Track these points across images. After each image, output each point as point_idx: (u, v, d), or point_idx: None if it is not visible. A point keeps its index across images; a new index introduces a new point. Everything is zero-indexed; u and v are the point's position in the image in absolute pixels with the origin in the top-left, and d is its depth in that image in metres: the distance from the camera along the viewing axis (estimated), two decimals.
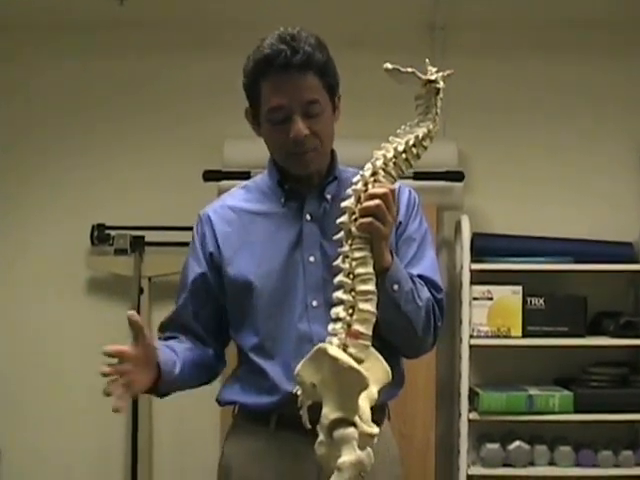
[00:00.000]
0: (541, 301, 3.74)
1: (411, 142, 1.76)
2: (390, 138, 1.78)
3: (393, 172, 1.76)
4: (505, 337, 3.72)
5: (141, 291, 4.00)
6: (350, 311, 1.69)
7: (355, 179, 1.75)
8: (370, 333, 1.69)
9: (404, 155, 1.76)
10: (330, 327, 1.70)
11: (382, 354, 1.82)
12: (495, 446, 3.71)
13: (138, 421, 3.99)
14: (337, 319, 1.70)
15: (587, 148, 4.05)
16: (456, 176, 3.76)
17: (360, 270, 1.70)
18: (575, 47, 4.04)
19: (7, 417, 4.09)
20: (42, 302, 4.11)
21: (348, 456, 1.58)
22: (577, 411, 3.67)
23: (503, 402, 3.68)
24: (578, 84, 4.04)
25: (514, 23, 4.03)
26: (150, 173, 4.09)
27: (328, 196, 2.01)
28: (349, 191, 1.75)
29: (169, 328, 2.09)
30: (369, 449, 1.61)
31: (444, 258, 4.02)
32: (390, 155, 1.75)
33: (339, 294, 1.71)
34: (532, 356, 3.88)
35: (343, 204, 1.75)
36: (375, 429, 1.63)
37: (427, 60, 1.77)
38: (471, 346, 3.69)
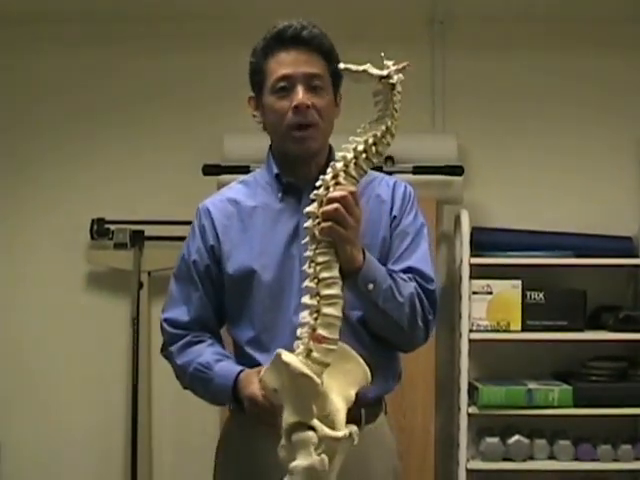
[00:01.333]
0: (540, 295, 3.74)
1: (371, 141, 1.76)
2: (350, 138, 1.77)
3: (354, 173, 1.76)
4: (504, 331, 3.72)
5: (141, 285, 4.00)
6: (315, 315, 1.70)
7: (318, 183, 1.76)
8: (336, 337, 1.70)
9: (364, 155, 1.76)
10: (298, 332, 1.72)
11: (377, 349, 1.85)
12: (494, 440, 3.71)
13: (137, 417, 3.99)
14: (303, 323, 1.71)
15: (587, 142, 4.04)
16: (456, 170, 3.76)
17: (324, 274, 1.72)
18: (575, 41, 4.03)
19: (6, 411, 4.09)
20: (42, 296, 4.11)
21: (301, 461, 1.62)
22: (576, 405, 3.67)
23: (502, 396, 3.67)
24: (578, 78, 4.03)
25: (513, 17, 4.02)
26: (150, 167, 4.09)
27: None
28: (312, 196, 1.77)
29: (192, 328, 2.07)
30: (324, 456, 1.63)
31: (443, 252, 4.02)
32: (350, 156, 1.75)
33: (305, 299, 1.73)
34: (531, 350, 3.88)
35: (306, 209, 1.77)
36: (340, 433, 1.66)
37: (382, 54, 1.74)
38: (470, 340, 3.69)
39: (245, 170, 3.39)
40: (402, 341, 2.03)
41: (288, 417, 1.65)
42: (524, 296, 3.73)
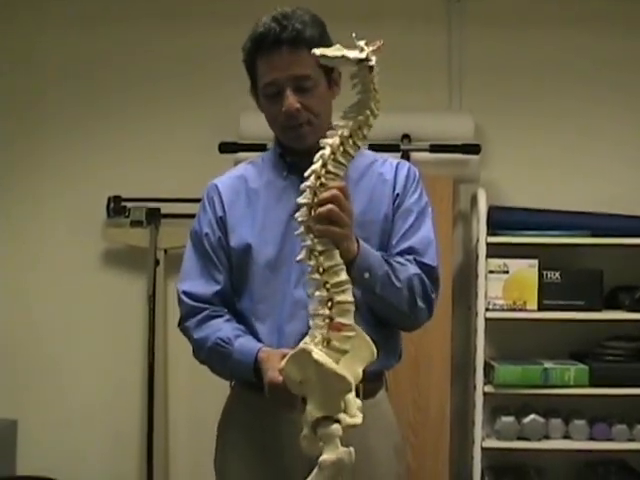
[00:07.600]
0: (557, 275, 3.73)
1: (355, 125, 1.74)
2: (333, 124, 1.77)
3: (342, 159, 1.76)
4: (521, 310, 3.71)
5: (157, 263, 4.02)
6: (329, 304, 1.71)
7: (306, 174, 1.76)
8: (352, 322, 1.72)
9: (351, 140, 1.75)
10: (311, 322, 1.74)
11: (377, 325, 1.93)
12: (510, 419, 3.72)
13: (154, 394, 4.01)
14: (316, 315, 1.72)
15: (605, 121, 4.02)
16: (472, 149, 3.74)
17: (328, 263, 1.73)
18: (592, 19, 4.00)
19: (23, 389, 4.12)
20: (58, 274, 4.13)
21: (329, 454, 1.66)
22: (592, 385, 3.66)
23: (518, 375, 3.67)
24: (598, 53, 4.00)
25: None
26: (166, 145, 4.10)
27: None
28: (302, 187, 1.76)
29: (212, 300, 2.09)
30: (351, 448, 1.67)
31: (460, 231, 4.01)
32: (337, 142, 1.75)
33: (313, 290, 1.73)
34: (548, 330, 3.88)
35: (300, 200, 1.76)
36: (358, 419, 1.70)
37: (354, 35, 1.69)
38: (487, 319, 3.69)
39: (262, 148, 3.39)
40: (404, 323, 2.09)
41: (314, 411, 1.68)
42: (541, 275, 3.72)
